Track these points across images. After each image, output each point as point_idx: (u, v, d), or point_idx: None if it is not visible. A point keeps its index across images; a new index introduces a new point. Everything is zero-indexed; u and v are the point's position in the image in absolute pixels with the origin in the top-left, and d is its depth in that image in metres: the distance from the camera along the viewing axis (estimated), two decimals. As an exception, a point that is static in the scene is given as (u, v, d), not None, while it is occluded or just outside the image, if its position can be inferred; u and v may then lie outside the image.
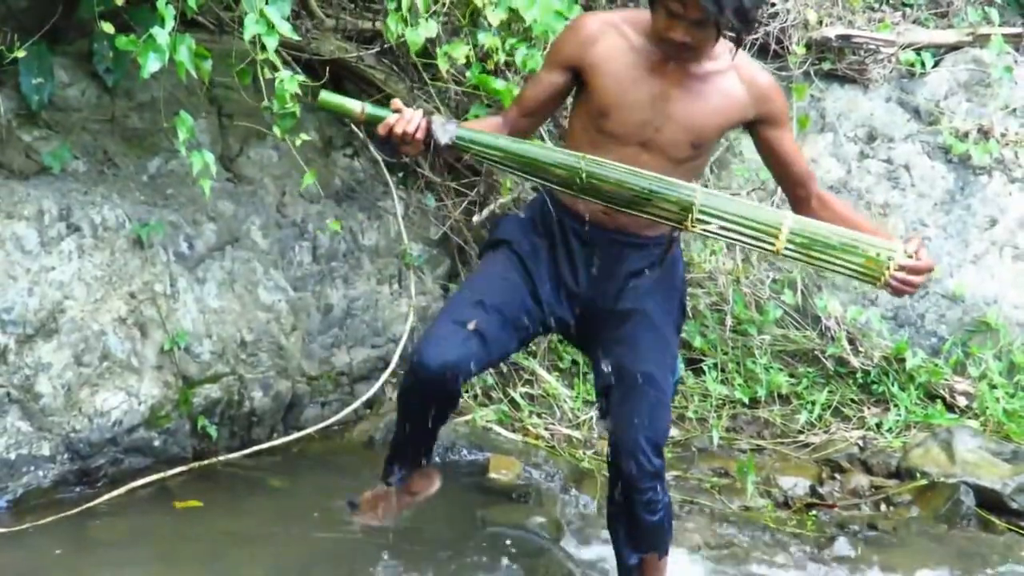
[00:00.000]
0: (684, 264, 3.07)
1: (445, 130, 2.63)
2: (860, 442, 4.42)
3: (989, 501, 3.91)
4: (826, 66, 5.18)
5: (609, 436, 2.84)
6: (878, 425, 4.52)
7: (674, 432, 4.21)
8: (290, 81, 3.32)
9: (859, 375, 4.71)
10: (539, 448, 4.02)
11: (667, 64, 2.70)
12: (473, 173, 4.43)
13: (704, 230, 2.64)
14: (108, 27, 3.16)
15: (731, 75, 2.74)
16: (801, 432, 4.47)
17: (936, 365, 4.75)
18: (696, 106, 2.72)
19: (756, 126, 2.81)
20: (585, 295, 2.87)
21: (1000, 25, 5.32)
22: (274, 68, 3.32)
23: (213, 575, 3.05)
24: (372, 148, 4.25)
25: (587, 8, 4.17)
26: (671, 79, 2.71)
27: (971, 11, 5.45)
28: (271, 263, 3.91)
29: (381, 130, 2.63)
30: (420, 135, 2.62)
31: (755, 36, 4.85)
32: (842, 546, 3.63)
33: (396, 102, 2.66)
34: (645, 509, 2.82)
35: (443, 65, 3.77)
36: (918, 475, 4.04)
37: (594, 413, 4.15)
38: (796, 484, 4.06)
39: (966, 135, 5.08)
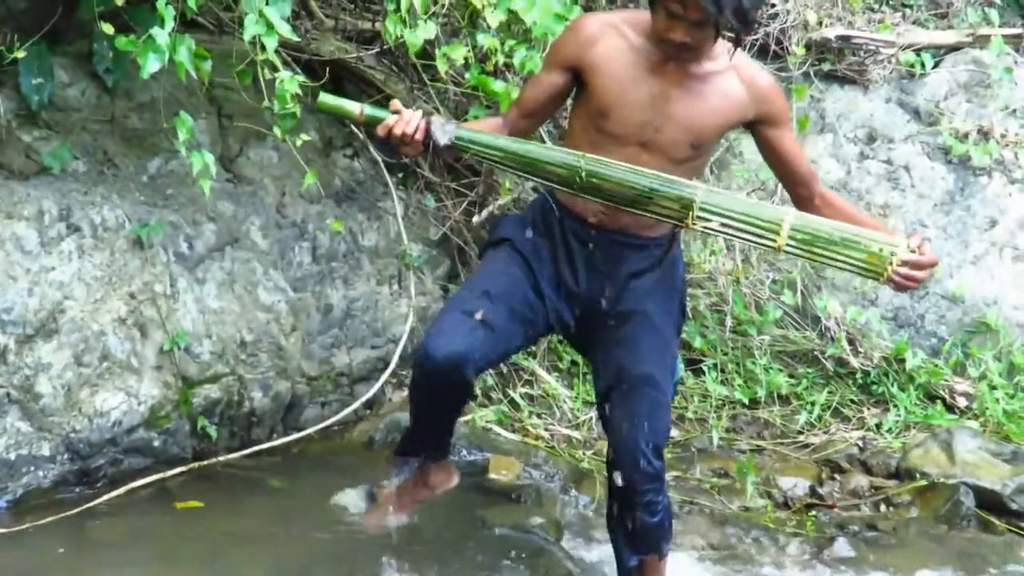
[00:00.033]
0: (684, 265, 3.07)
1: (444, 131, 2.63)
2: (860, 443, 4.42)
3: (989, 502, 3.91)
4: (826, 67, 5.18)
5: (609, 437, 2.85)
6: (878, 426, 4.52)
7: (674, 432, 4.20)
8: (290, 81, 3.32)
9: (859, 376, 4.71)
10: (539, 448, 4.02)
11: (667, 64, 2.70)
12: (473, 174, 4.44)
13: (705, 227, 2.64)
14: (108, 27, 3.16)
15: (731, 75, 2.74)
16: (801, 433, 4.47)
17: (936, 366, 4.75)
18: (696, 106, 2.72)
19: (757, 126, 2.82)
20: (585, 296, 2.87)
21: (1000, 26, 5.33)
22: (274, 68, 3.32)
23: (213, 575, 3.04)
24: (372, 149, 4.25)
25: (587, 9, 4.17)
26: (671, 79, 2.71)
27: (971, 12, 5.46)
28: (271, 263, 3.91)
29: (380, 131, 2.64)
30: (419, 136, 2.63)
31: (755, 37, 4.85)
32: (842, 547, 3.63)
33: (395, 103, 2.66)
34: (645, 511, 2.82)
35: (442, 67, 3.77)
36: (918, 476, 4.04)
37: (594, 414, 4.15)
38: (796, 485, 4.06)
39: (966, 136, 5.08)
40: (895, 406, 4.61)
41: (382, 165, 4.26)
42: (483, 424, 4.09)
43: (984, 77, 5.18)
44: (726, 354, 4.68)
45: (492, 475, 3.79)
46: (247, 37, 3.22)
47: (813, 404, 4.58)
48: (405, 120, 2.62)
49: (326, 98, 2.68)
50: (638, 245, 2.84)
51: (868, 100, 5.20)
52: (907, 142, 5.14)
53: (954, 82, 5.21)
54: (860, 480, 4.10)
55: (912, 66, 5.18)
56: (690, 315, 4.57)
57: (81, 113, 3.63)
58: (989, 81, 5.16)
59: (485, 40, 3.75)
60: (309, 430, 3.89)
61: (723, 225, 2.62)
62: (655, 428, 2.76)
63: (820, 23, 5.12)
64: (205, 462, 3.60)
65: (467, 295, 2.81)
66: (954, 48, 5.32)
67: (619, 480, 2.80)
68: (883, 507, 3.98)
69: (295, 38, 3.45)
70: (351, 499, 3.42)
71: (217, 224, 3.79)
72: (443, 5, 3.72)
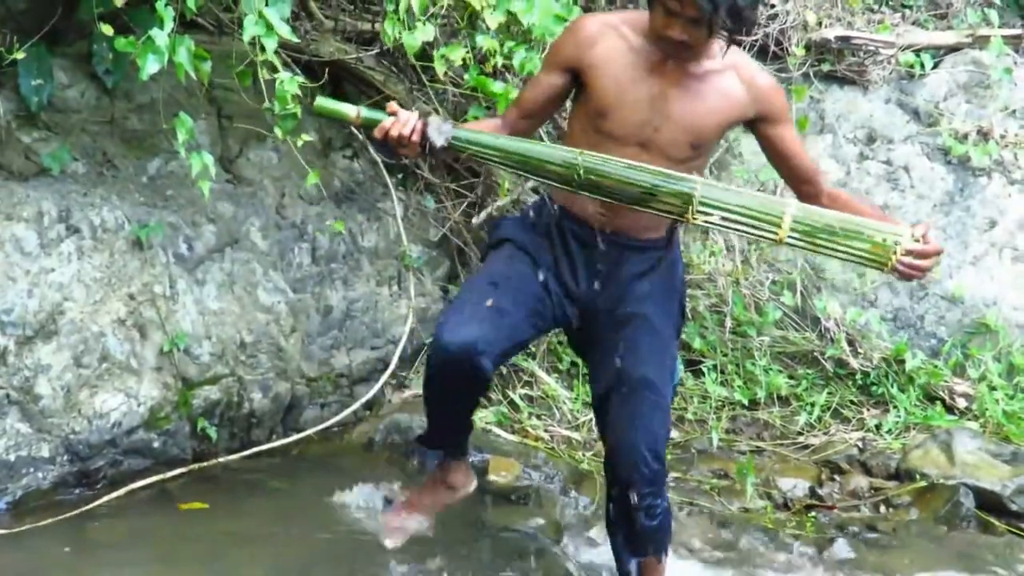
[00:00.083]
0: (683, 266, 3.06)
1: (440, 131, 2.63)
2: (859, 444, 4.42)
3: (989, 503, 3.91)
4: (825, 67, 5.18)
5: (607, 440, 2.84)
6: (877, 427, 4.53)
7: (674, 434, 4.21)
8: (290, 82, 3.32)
9: (858, 376, 4.72)
10: (538, 450, 4.02)
11: (666, 64, 2.70)
12: (472, 175, 4.44)
13: (706, 221, 2.62)
14: (107, 29, 3.16)
15: (730, 74, 2.74)
16: (800, 434, 4.47)
17: (936, 366, 4.76)
18: (694, 106, 2.72)
19: (757, 124, 2.81)
20: (585, 298, 2.86)
21: (999, 27, 5.33)
22: (273, 69, 3.32)
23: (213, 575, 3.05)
24: (371, 150, 4.26)
25: (587, 10, 4.17)
26: (669, 79, 2.71)
27: (970, 13, 5.46)
28: (270, 264, 3.91)
29: (377, 133, 2.64)
30: (416, 137, 2.62)
31: (755, 38, 4.86)
32: (841, 548, 3.63)
33: (392, 105, 2.67)
34: (644, 514, 2.81)
35: (440, 69, 3.77)
36: (917, 477, 4.04)
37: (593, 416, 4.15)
38: (795, 486, 4.06)
39: (965, 137, 5.09)
40: (895, 407, 4.62)
41: (382, 166, 4.26)
42: (482, 425, 4.09)
43: (984, 78, 5.18)
44: (726, 355, 4.68)
45: (492, 476, 3.78)
46: (246, 38, 3.22)
47: (813, 405, 4.58)
48: (401, 122, 2.62)
49: (323, 101, 2.69)
50: (637, 247, 2.84)
51: (868, 101, 5.20)
52: (907, 143, 5.14)
53: (954, 83, 5.21)
54: (860, 481, 4.10)
55: (912, 67, 5.19)
56: (690, 316, 4.57)
57: (80, 114, 3.63)
58: (988, 82, 5.16)
59: (484, 41, 3.75)
60: (309, 431, 3.89)
61: (724, 219, 2.61)
62: (654, 432, 2.76)
63: (820, 24, 5.13)
64: (205, 463, 3.60)
65: (476, 286, 2.81)
66: (954, 49, 5.32)
67: (618, 483, 2.80)
68: (883, 508, 3.98)
69: (294, 39, 3.44)
70: (354, 498, 3.41)
71: (217, 225, 3.79)
72: (442, 6, 3.72)
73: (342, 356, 4.12)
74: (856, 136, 5.16)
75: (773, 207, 2.61)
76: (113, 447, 3.42)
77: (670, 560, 2.97)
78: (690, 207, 2.60)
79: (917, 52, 5.20)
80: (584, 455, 4.06)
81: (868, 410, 4.64)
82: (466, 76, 3.88)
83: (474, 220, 4.44)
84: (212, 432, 3.61)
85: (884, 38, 5.17)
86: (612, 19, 2.79)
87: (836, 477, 4.17)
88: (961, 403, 4.67)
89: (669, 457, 3.83)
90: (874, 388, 4.69)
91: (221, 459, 3.64)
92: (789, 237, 2.59)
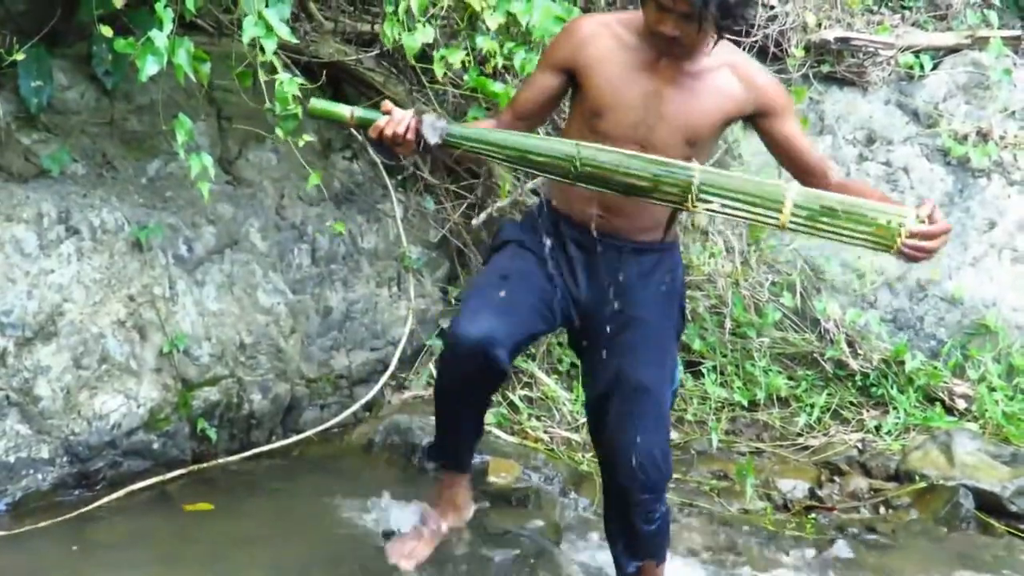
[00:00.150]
0: (683, 267, 3.06)
1: (435, 128, 2.62)
2: (859, 445, 4.42)
3: (988, 504, 3.91)
4: (825, 69, 5.19)
5: (604, 444, 2.84)
6: (877, 428, 4.53)
7: (673, 435, 4.20)
8: (290, 83, 3.32)
9: (858, 378, 4.72)
10: (538, 451, 4.02)
11: (660, 62, 2.69)
12: (472, 176, 4.44)
13: (707, 209, 2.59)
14: (107, 30, 3.16)
15: (726, 72, 2.72)
16: (800, 435, 4.47)
17: (935, 368, 4.76)
18: (690, 104, 2.71)
19: (757, 120, 2.78)
20: (585, 301, 2.86)
21: (999, 28, 5.33)
22: (273, 71, 3.32)
23: (213, 576, 3.05)
24: (370, 150, 4.25)
25: (586, 10, 4.17)
26: (664, 77, 2.70)
27: (970, 14, 5.47)
28: (270, 266, 3.91)
29: (372, 132, 2.63)
30: (410, 135, 2.61)
31: (754, 39, 4.86)
32: (841, 549, 3.63)
33: (386, 104, 2.65)
34: (642, 519, 2.81)
35: (439, 70, 3.77)
36: (917, 478, 4.04)
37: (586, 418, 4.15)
38: (795, 487, 4.06)
39: (965, 138, 5.09)
40: (894, 408, 4.62)
41: (381, 167, 4.26)
42: (482, 426, 4.08)
43: (983, 79, 5.18)
44: (725, 356, 4.68)
45: (491, 478, 3.78)
46: (246, 39, 3.22)
47: (812, 406, 4.58)
48: (395, 121, 2.62)
49: (317, 103, 2.68)
50: (636, 249, 2.84)
51: (867, 102, 5.21)
52: (906, 144, 5.14)
53: (953, 84, 5.22)
54: (859, 482, 4.10)
55: (911, 68, 5.19)
56: (689, 317, 4.57)
57: (80, 115, 3.63)
58: (988, 83, 5.16)
59: (484, 42, 3.75)
60: (308, 432, 3.89)
61: (724, 205, 2.58)
62: (653, 436, 2.76)
63: (819, 25, 5.13)
64: (205, 465, 3.60)
65: (486, 281, 2.80)
66: (953, 50, 5.33)
67: (615, 488, 2.79)
68: (882, 509, 3.98)
69: (294, 40, 3.44)
70: (354, 499, 3.41)
71: (216, 226, 3.79)
72: (442, 7, 3.72)
73: (342, 357, 4.12)
74: (856, 137, 5.16)
75: (774, 191, 2.57)
76: (113, 448, 3.42)
77: (669, 561, 2.97)
78: (689, 195, 2.57)
79: (916, 53, 5.20)
80: (584, 456, 4.05)
81: (868, 411, 4.64)
82: (466, 77, 3.88)
83: (474, 221, 4.44)
84: (212, 433, 3.61)
85: (884, 39, 5.18)
86: (607, 19, 2.79)
87: (836, 478, 4.17)
88: (961, 404, 4.67)
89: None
90: (874, 389, 4.70)
91: (221, 460, 3.65)
92: (791, 221, 2.55)
